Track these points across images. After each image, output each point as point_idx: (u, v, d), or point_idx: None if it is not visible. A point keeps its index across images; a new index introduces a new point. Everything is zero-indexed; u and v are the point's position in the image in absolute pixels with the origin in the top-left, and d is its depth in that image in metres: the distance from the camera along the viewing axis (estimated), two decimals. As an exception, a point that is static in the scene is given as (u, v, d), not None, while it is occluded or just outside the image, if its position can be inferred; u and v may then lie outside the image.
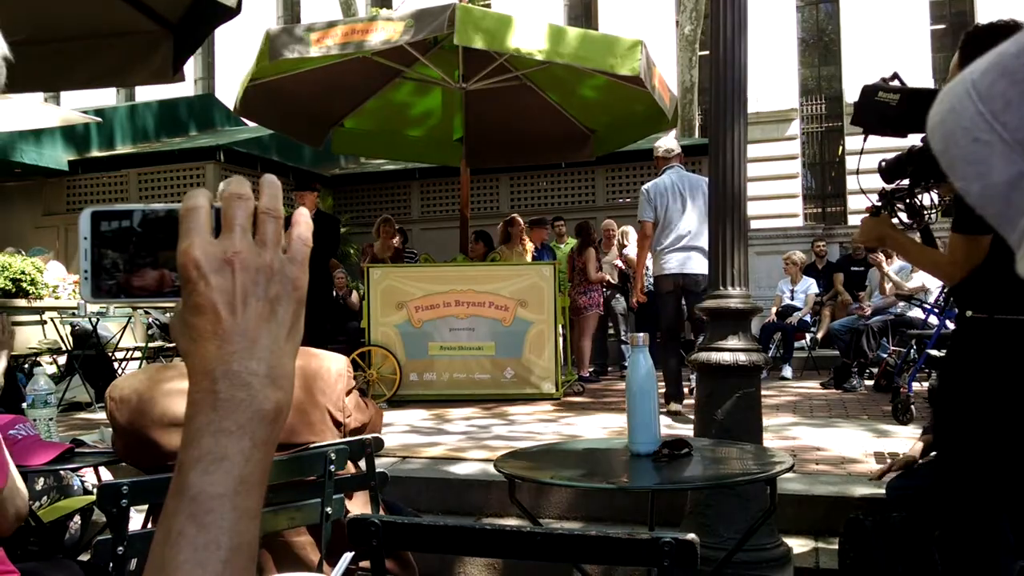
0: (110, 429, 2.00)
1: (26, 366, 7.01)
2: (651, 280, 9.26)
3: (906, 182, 2.32)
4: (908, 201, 2.32)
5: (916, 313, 7.10)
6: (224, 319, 0.56)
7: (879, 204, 2.35)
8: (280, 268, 0.59)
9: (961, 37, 2.16)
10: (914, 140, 2.29)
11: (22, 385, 4.44)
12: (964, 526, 2.07)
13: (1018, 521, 2.06)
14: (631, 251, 9.07)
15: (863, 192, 2.39)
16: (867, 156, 2.42)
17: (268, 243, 0.59)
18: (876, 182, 2.40)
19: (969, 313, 2.08)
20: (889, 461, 3.26)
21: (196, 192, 0.59)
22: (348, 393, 1.89)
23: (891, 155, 2.33)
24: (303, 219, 0.62)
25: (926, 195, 2.32)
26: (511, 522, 3.58)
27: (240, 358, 0.56)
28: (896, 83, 2.34)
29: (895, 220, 2.33)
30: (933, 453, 2.65)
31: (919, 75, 17.26)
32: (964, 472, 2.06)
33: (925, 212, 2.33)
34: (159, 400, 1.76)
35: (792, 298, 8.80)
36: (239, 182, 0.60)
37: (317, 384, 1.84)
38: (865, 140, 2.36)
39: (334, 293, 8.88)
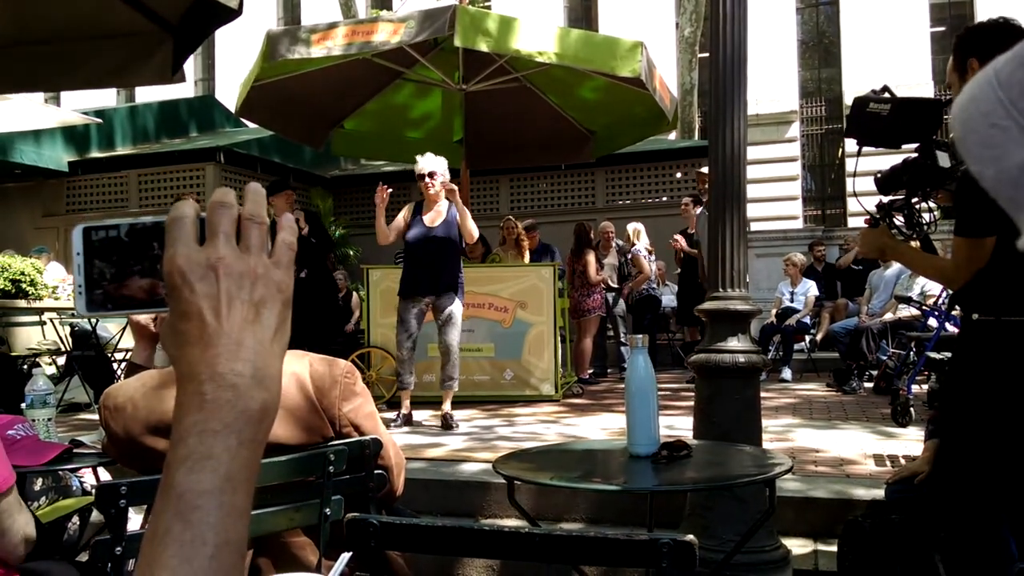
0: None
1: (25, 366, 7.01)
2: (651, 283, 9.32)
3: (903, 193, 2.33)
4: (906, 211, 2.33)
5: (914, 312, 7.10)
6: (209, 323, 0.58)
7: (877, 216, 2.36)
8: (264, 272, 0.60)
9: (954, 40, 2.17)
10: (908, 151, 2.31)
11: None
12: (967, 529, 2.07)
13: (1019, 524, 2.06)
14: (640, 249, 9.04)
15: (858, 200, 2.40)
16: (865, 167, 2.42)
17: (252, 248, 0.60)
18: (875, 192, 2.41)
19: (976, 316, 2.08)
20: (903, 463, 3.26)
21: (181, 203, 0.61)
22: (347, 400, 1.88)
23: (886, 167, 2.34)
24: (287, 224, 0.63)
25: (924, 204, 2.33)
26: (510, 523, 3.57)
27: (226, 360, 0.57)
28: (887, 95, 2.35)
29: (894, 230, 2.33)
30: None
31: (919, 78, 17.29)
32: (969, 475, 2.06)
33: (924, 221, 2.33)
34: (154, 407, 1.75)
35: (792, 300, 8.80)
36: (223, 192, 0.62)
37: (315, 388, 1.84)
38: (859, 152, 2.37)
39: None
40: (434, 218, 5.71)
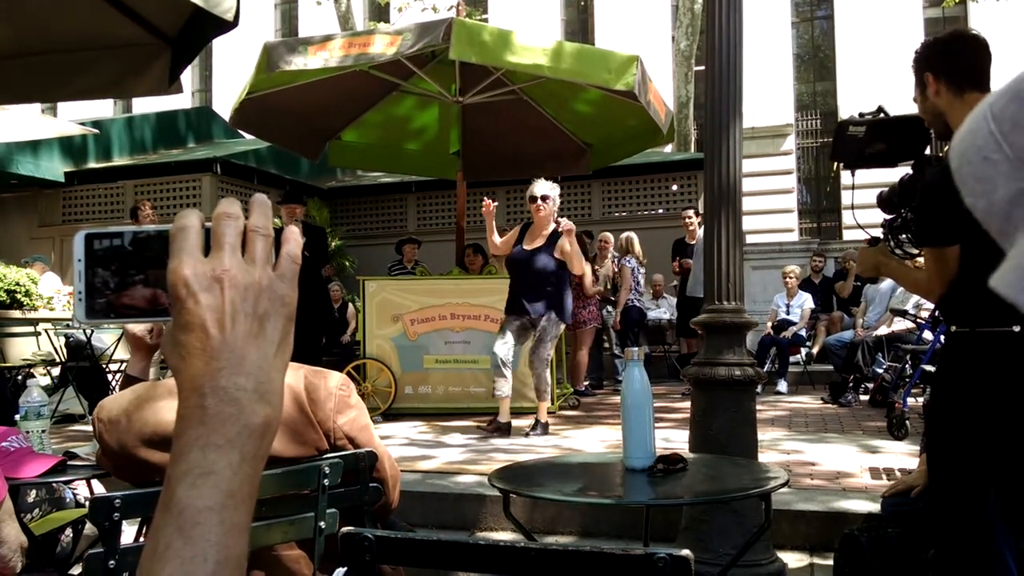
0: None
1: (19, 377, 6.99)
2: (637, 294, 9.31)
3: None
4: (911, 228, 2.34)
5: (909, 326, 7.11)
6: (213, 336, 0.57)
7: (879, 236, 2.37)
8: (269, 285, 0.60)
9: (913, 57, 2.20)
10: (905, 169, 2.32)
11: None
12: (956, 542, 2.06)
13: (1017, 534, 2.06)
14: (631, 261, 9.02)
15: (856, 220, 2.41)
16: (863, 188, 2.44)
17: (257, 260, 0.59)
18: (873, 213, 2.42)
19: (954, 328, 2.09)
20: (899, 476, 3.26)
21: (187, 212, 0.60)
22: (341, 412, 1.87)
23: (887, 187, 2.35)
24: (293, 237, 0.63)
25: None
26: (505, 537, 3.56)
27: (228, 374, 0.57)
28: (882, 115, 2.36)
29: (899, 251, 2.34)
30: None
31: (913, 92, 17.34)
32: (955, 488, 2.06)
33: None
34: (148, 419, 1.74)
35: (787, 312, 8.81)
36: (229, 202, 0.61)
37: (310, 401, 1.83)
38: (853, 175, 2.38)
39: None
40: (535, 241, 5.82)
